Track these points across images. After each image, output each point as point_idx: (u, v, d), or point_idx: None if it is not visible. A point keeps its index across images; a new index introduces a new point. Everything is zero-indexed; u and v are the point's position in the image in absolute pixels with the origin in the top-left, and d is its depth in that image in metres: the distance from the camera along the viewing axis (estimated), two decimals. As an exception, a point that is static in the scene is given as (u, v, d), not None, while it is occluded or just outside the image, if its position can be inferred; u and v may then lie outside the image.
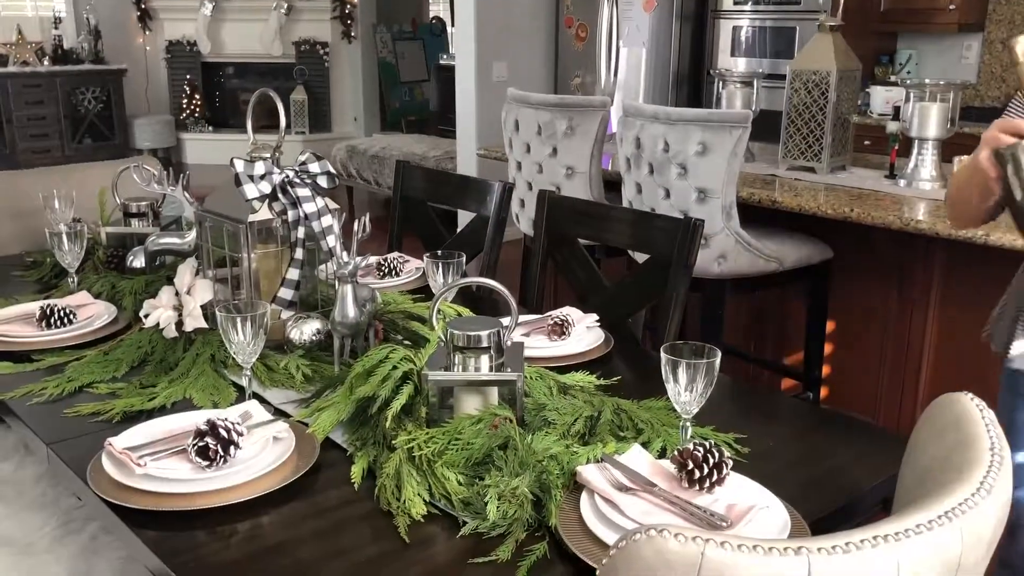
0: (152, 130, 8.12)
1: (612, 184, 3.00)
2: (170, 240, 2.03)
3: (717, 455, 1.18)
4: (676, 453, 1.19)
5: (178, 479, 1.22)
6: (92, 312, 1.86)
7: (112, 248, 2.20)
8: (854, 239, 2.71)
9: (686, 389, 1.27)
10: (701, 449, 1.18)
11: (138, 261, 2.11)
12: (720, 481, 1.18)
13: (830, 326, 2.86)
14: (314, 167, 1.71)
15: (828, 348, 2.89)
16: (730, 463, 1.19)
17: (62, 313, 1.79)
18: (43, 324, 1.78)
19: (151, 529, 1.15)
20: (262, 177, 1.64)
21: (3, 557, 1.46)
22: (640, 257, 2.70)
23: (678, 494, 1.16)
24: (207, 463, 1.23)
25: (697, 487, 1.17)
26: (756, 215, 2.69)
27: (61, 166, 3.10)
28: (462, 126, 5.42)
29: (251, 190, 1.62)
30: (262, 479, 1.23)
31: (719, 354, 1.27)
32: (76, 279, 2.05)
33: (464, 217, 5.05)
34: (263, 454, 1.28)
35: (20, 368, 1.64)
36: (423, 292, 2.12)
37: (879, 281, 2.77)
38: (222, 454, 1.23)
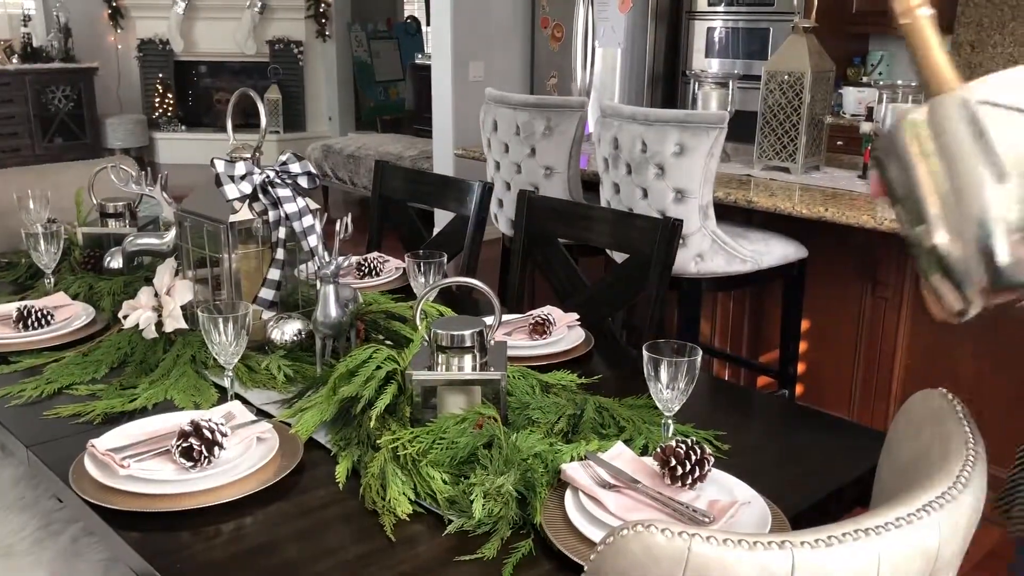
0: (124, 129, 8.04)
1: (590, 184, 3.02)
2: (148, 240, 2.01)
3: (699, 452, 1.19)
4: (658, 450, 1.21)
5: (162, 480, 1.22)
6: (70, 313, 1.85)
7: (89, 249, 2.18)
8: (828, 238, 2.75)
9: (668, 387, 1.28)
10: (683, 446, 1.19)
11: (115, 262, 2.10)
12: (702, 477, 1.19)
13: (805, 324, 2.90)
14: (295, 167, 1.71)
15: (803, 346, 2.93)
16: (711, 460, 1.20)
17: (40, 314, 1.78)
18: (20, 325, 1.77)
19: (135, 530, 1.15)
20: (243, 177, 1.63)
21: (-18, 560, 1.45)
22: (619, 257, 2.72)
23: (661, 490, 1.18)
24: (191, 464, 1.23)
25: (679, 483, 1.19)
26: (732, 215, 2.72)
27: (36, 166, 3.06)
28: (438, 126, 5.42)
29: (232, 190, 1.61)
30: (246, 479, 1.23)
31: (700, 352, 1.29)
32: (53, 280, 2.04)
33: (441, 216, 5.06)
34: (247, 454, 1.28)
35: (-3, 370, 1.63)
36: (403, 292, 2.12)
37: (853, 280, 2.81)
38: (206, 455, 1.23)
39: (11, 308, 1.83)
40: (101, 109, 7.99)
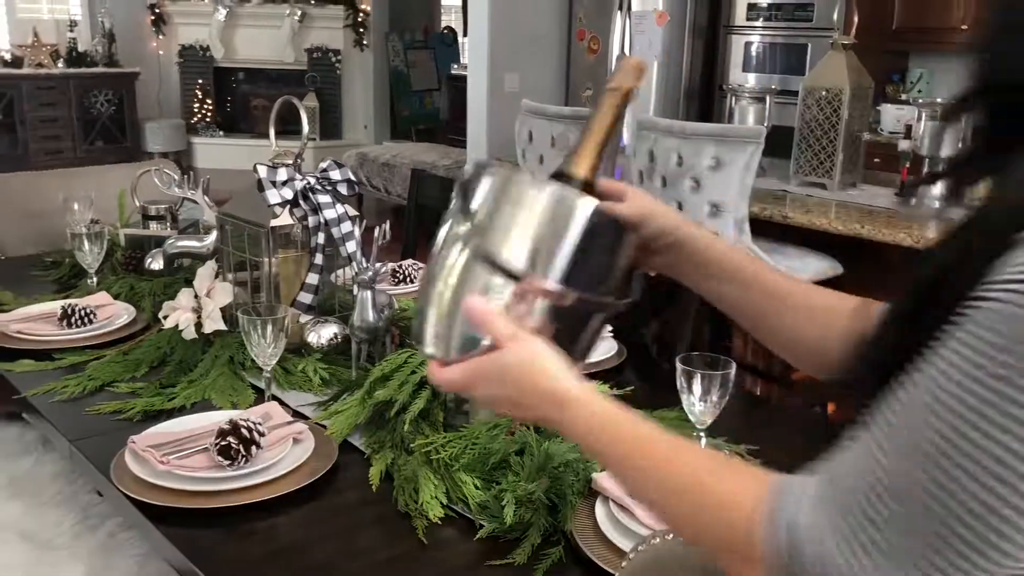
0: (163, 134, 8.17)
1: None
2: (188, 243, 2.05)
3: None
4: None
5: (200, 477, 1.24)
6: (111, 312, 1.89)
7: (130, 250, 2.23)
8: (864, 256, 2.73)
9: (700, 400, 1.29)
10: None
11: (156, 263, 2.14)
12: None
13: (838, 341, 2.88)
14: (335, 174, 1.74)
15: (836, 363, 2.91)
16: (744, 473, 1.20)
17: (82, 313, 1.82)
18: (64, 323, 1.81)
19: (173, 526, 1.18)
20: (284, 183, 1.66)
21: (24, 552, 1.48)
22: (651, 269, 2.72)
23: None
24: (229, 462, 1.25)
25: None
26: (767, 230, 2.71)
27: (80, 168, 3.14)
28: (473, 136, 5.45)
29: (273, 195, 1.64)
30: (282, 479, 1.25)
31: (733, 366, 1.29)
32: (95, 280, 2.08)
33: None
34: (283, 455, 1.30)
35: (41, 366, 1.67)
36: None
37: (889, 298, 2.78)
38: (244, 454, 1.25)
39: (55, 306, 1.87)
40: (141, 113, 8.13)
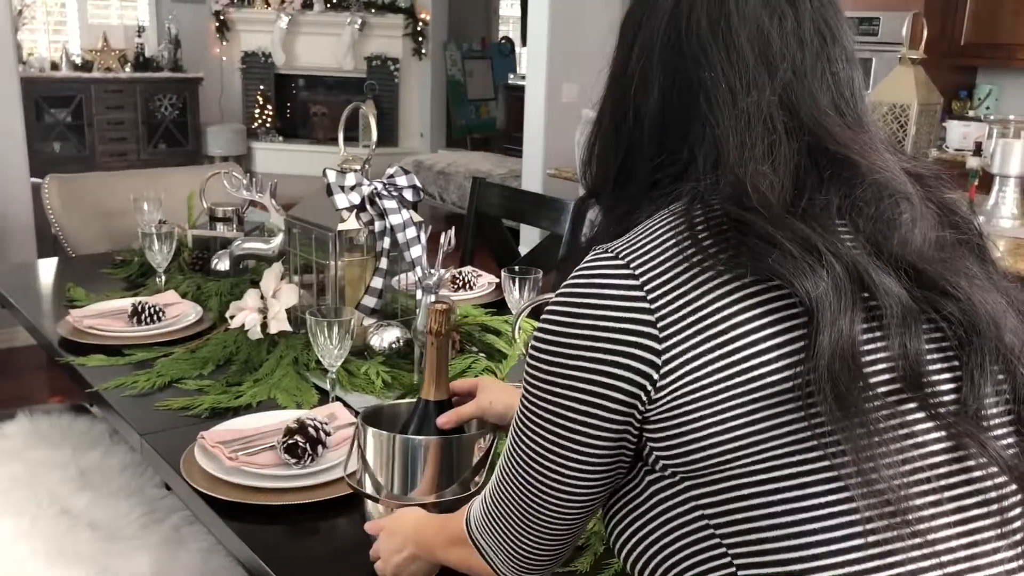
0: (224, 138, 8.34)
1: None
2: (254, 245, 2.09)
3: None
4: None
5: (267, 475, 1.26)
6: (179, 311, 1.93)
7: (197, 250, 2.27)
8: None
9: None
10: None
11: (222, 264, 2.18)
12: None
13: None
14: (401, 180, 1.76)
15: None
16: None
17: (152, 311, 1.86)
18: (134, 320, 1.85)
19: (239, 521, 1.20)
20: (352, 188, 1.69)
21: (92, 541, 1.52)
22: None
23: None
24: (295, 460, 1.27)
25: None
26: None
27: (147, 169, 3.22)
28: (529, 145, 5.47)
29: (342, 200, 1.67)
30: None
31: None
32: (164, 279, 2.13)
33: (527, 233, 5.10)
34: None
35: (112, 361, 1.71)
36: (496, 306, 2.15)
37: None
38: (310, 452, 1.27)
39: (126, 303, 1.92)
40: (203, 118, 8.31)
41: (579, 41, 5.35)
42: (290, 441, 1.27)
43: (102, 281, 2.26)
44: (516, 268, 1.83)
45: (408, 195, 1.76)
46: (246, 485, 1.24)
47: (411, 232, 1.71)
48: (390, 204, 1.72)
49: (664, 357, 0.74)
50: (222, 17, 8.39)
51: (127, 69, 7.73)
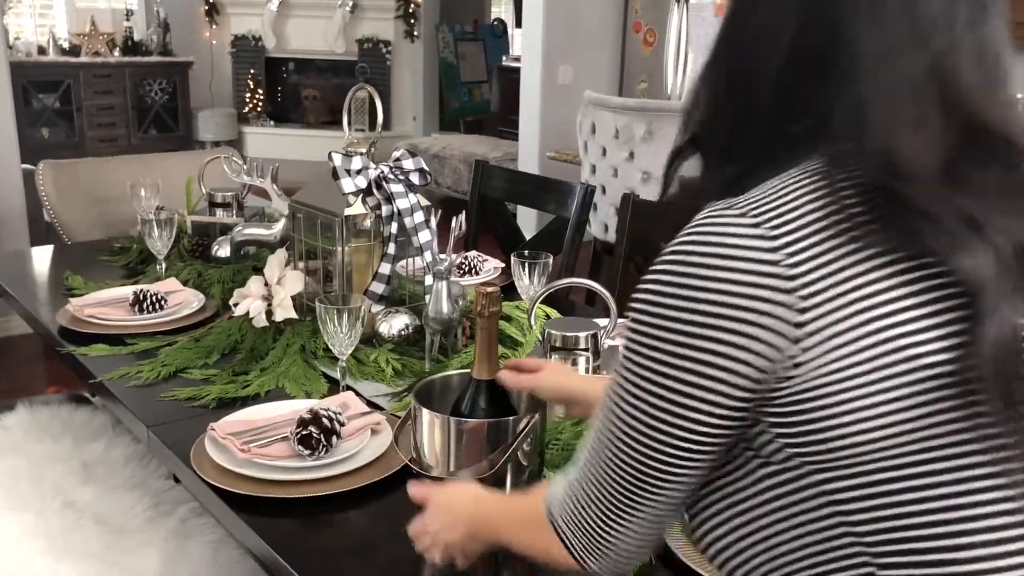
0: (215, 122, 8.25)
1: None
2: (256, 231, 2.05)
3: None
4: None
5: (280, 467, 1.23)
6: (182, 299, 1.89)
7: (197, 237, 2.23)
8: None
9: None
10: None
11: (223, 250, 2.14)
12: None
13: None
14: (408, 163, 1.72)
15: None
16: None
17: (154, 299, 1.82)
18: (136, 309, 1.81)
19: (252, 514, 1.17)
20: (359, 172, 1.65)
21: (99, 535, 1.48)
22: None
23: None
24: (309, 452, 1.24)
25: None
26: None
27: (142, 155, 3.17)
28: (525, 128, 5.42)
29: (348, 184, 1.63)
30: (361, 471, 1.24)
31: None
32: (164, 266, 2.09)
33: (525, 216, 5.06)
34: (362, 446, 1.28)
35: (115, 351, 1.68)
36: (503, 291, 2.12)
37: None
38: (324, 443, 1.24)
39: (127, 291, 1.88)
40: (194, 102, 8.21)
41: (575, 22, 5.30)
42: (304, 432, 1.24)
43: (100, 269, 2.22)
44: (526, 253, 1.79)
45: (415, 178, 1.72)
46: (259, 478, 1.21)
47: (419, 216, 1.68)
48: (397, 188, 1.68)
49: (804, 330, 0.66)
50: (211, 0, 8.28)
51: (116, 53, 7.63)
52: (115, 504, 1.58)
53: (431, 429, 1.11)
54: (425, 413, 1.11)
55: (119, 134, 7.79)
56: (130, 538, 1.50)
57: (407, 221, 1.67)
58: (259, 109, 8.56)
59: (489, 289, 1.10)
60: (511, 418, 1.08)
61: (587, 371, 1.33)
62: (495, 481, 1.08)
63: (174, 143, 7.78)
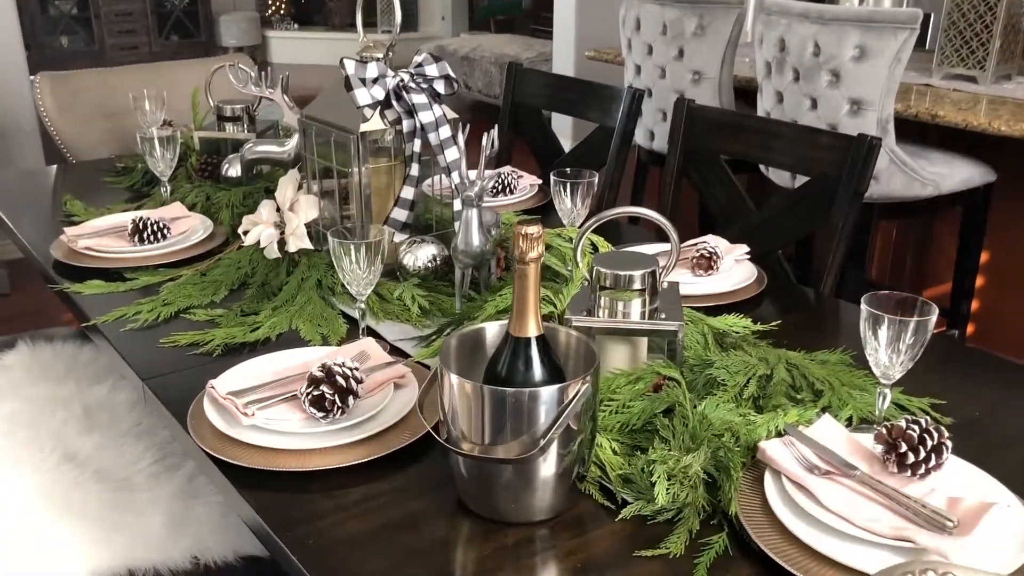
0: (238, 27, 7.96)
1: (743, 92, 2.71)
2: (268, 148, 1.85)
3: (936, 436, 0.96)
4: (883, 430, 0.98)
5: (290, 432, 1.06)
6: (187, 226, 1.71)
7: (205, 155, 2.04)
8: (1020, 161, 2.39)
9: (887, 350, 1.04)
10: (916, 428, 0.96)
11: (233, 170, 1.95)
12: (938, 466, 0.97)
13: (984, 257, 2.57)
14: (431, 69, 1.49)
15: (979, 281, 2.60)
16: (949, 445, 0.97)
17: (155, 227, 1.65)
18: (135, 239, 1.64)
19: (257, 489, 1.00)
20: (375, 81, 1.43)
21: (100, 493, 1.35)
22: (778, 178, 2.44)
23: (884, 479, 0.96)
24: (323, 415, 1.07)
25: (909, 472, 0.96)
26: (902, 132, 2.38)
27: (152, 64, 2.95)
28: (560, 25, 5.08)
29: (363, 95, 1.42)
30: (384, 436, 1.07)
31: (935, 311, 1.04)
32: (169, 188, 1.90)
33: (560, 123, 4.78)
34: (384, 403, 1.11)
35: (112, 288, 1.51)
36: (540, 212, 1.91)
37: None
38: (339, 405, 1.07)
39: (126, 219, 1.70)
40: (216, 6, 7.91)
41: (614, -93, 4.89)
42: (315, 392, 1.07)
43: (103, 192, 2.04)
44: (568, 171, 1.57)
45: (440, 87, 1.50)
46: (265, 446, 1.04)
47: (445, 132, 1.46)
48: (419, 99, 1.46)
49: None
50: None
51: (132, -45, 7.32)
52: (118, 456, 1.44)
53: (460, 397, 0.91)
54: (452, 379, 0.91)
55: (139, 41, 7.55)
56: (136, 496, 1.36)
57: (431, 137, 1.46)
58: (282, 12, 8.24)
59: (530, 229, 0.89)
60: (557, 386, 0.89)
61: (643, 315, 1.13)
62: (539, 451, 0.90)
63: (196, 50, 7.52)
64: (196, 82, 2.28)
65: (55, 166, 2.36)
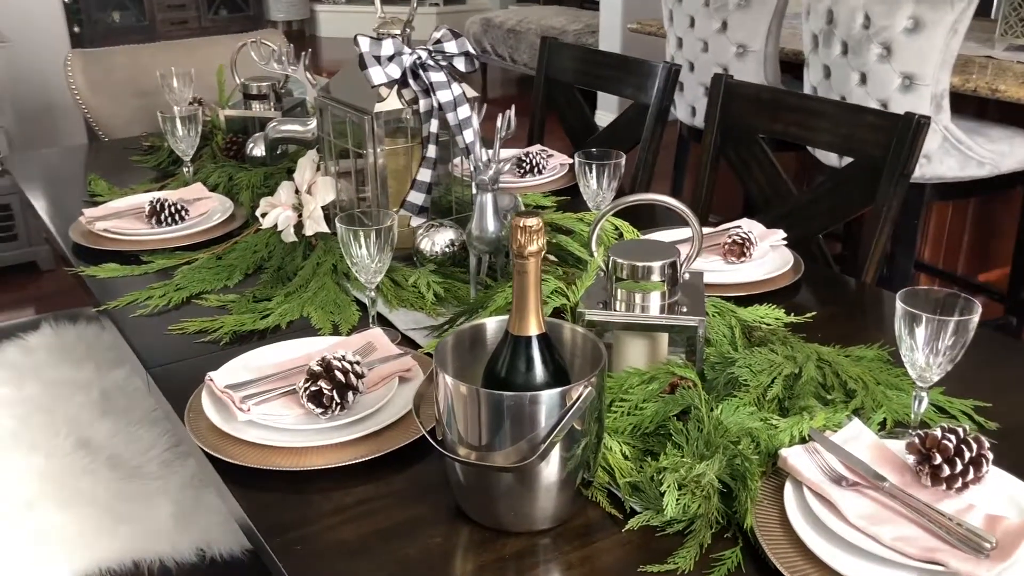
0: (287, 1, 7.95)
1: (789, 66, 2.59)
2: (291, 127, 1.81)
3: (975, 447, 0.88)
4: (916, 439, 0.91)
5: (286, 428, 1.02)
6: (206, 208, 1.68)
7: (232, 134, 2.01)
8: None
9: (925, 350, 0.96)
10: (952, 437, 0.89)
11: (258, 149, 1.92)
12: (977, 479, 0.89)
13: (1045, 241, 2.43)
14: (450, 46, 1.43)
15: (1040, 267, 2.46)
16: (990, 457, 0.89)
17: (173, 209, 1.62)
18: (153, 220, 1.61)
19: (252, 488, 0.96)
20: (391, 59, 1.37)
21: (111, 482, 1.33)
22: (823, 157, 2.33)
23: (915, 493, 0.88)
24: (321, 410, 1.02)
25: (944, 486, 0.89)
26: (960, 107, 2.25)
27: (184, 40, 2.92)
28: (607, -3, 4.95)
29: (378, 74, 1.36)
30: (385, 433, 1.02)
31: (978, 309, 0.95)
32: (191, 168, 1.87)
33: (604, 101, 4.68)
34: (387, 398, 1.06)
35: (127, 271, 1.49)
36: (570, 193, 1.84)
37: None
38: (338, 401, 1.02)
39: (144, 200, 1.67)
40: (264, -20, 7.90)
41: None
42: (313, 388, 1.02)
43: (130, 171, 2.02)
44: (593, 151, 1.50)
45: (460, 64, 1.44)
46: (261, 444, 1.00)
47: (464, 112, 1.40)
48: (437, 77, 1.40)
49: None
50: None
51: (181, -71, 7.33)
52: (132, 442, 1.43)
53: (456, 400, 0.86)
54: (447, 380, 0.85)
55: (189, 16, 7.58)
56: (146, 484, 1.35)
57: (450, 117, 1.40)
58: (330, -15, 8.20)
59: (529, 221, 0.82)
60: (557, 390, 0.83)
61: (662, 308, 1.07)
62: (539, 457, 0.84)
63: (245, 24, 7.52)
64: (226, 60, 2.25)
65: (84, 145, 2.36)
